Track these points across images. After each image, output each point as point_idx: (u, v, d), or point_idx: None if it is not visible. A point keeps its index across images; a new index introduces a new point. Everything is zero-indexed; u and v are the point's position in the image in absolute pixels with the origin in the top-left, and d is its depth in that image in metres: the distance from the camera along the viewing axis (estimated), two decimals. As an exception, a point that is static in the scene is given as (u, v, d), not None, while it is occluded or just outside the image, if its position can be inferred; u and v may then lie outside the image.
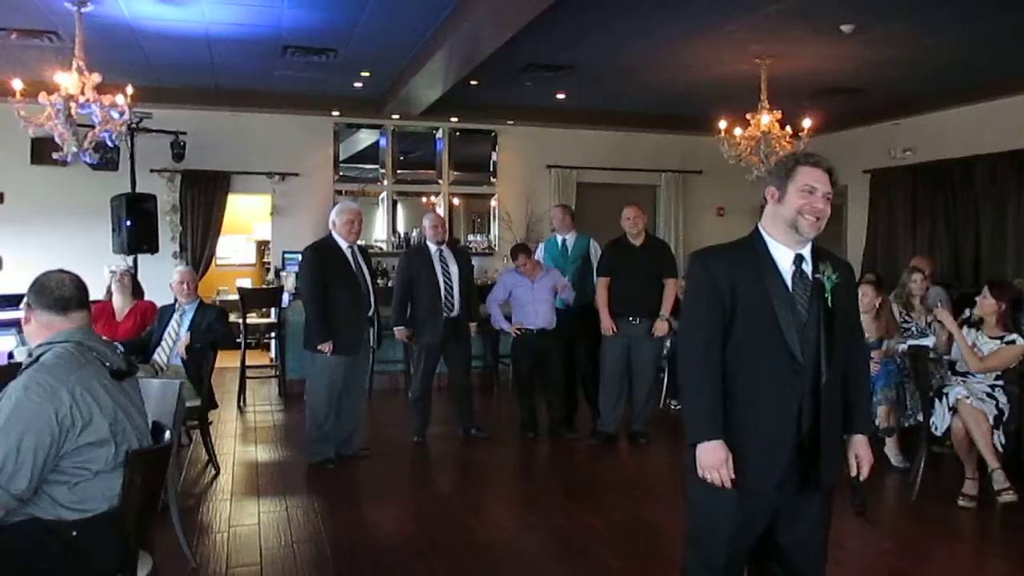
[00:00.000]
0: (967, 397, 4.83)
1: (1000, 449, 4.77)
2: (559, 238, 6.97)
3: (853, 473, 2.54)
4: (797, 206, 2.41)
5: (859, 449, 2.54)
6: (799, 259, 2.44)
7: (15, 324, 5.02)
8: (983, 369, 4.92)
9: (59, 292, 2.63)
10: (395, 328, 6.33)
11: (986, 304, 5.07)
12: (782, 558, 2.53)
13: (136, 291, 6.41)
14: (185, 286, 5.85)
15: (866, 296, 5.88)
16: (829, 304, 2.41)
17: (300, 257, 6.05)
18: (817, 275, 2.43)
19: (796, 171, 2.46)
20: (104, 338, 2.85)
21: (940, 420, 4.95)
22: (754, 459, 2.40)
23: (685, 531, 2.62)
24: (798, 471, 2.42)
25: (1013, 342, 4.96)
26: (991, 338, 5.04)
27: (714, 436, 2.37)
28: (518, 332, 6.48)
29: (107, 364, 2.60)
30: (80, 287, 2.70)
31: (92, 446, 2.45)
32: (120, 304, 6.16)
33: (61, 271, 2.71)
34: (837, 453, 2.51)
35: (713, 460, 2.36)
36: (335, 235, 5.74)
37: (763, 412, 2.40)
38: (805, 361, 2.38)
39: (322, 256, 5.67)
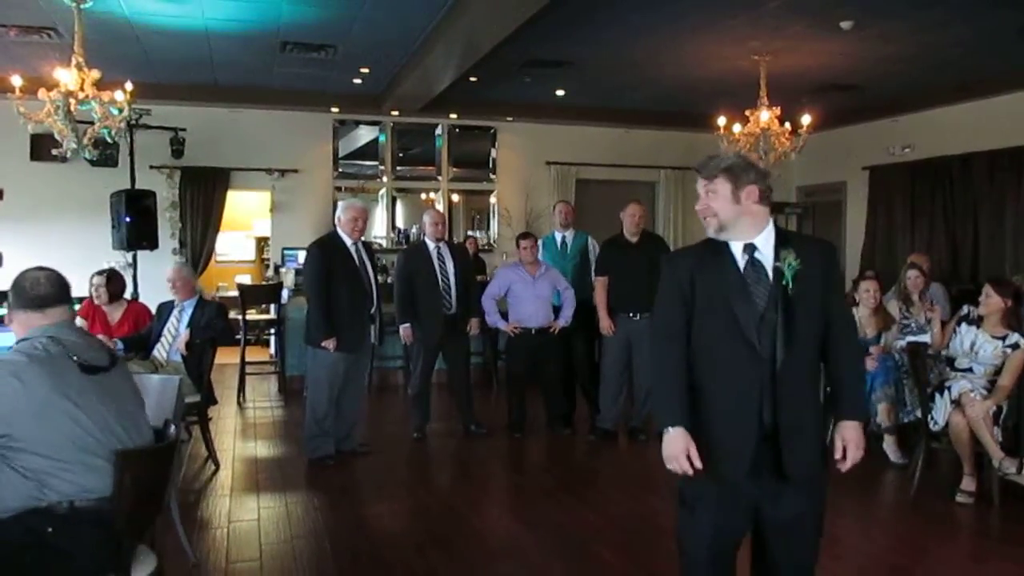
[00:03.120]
0: (971, 390, 4.84)
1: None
2: (558, 235, 6.96)
3: (838, 456, 2.46)
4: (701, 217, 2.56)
5: (845, 433, 2.48)
6: (750, 248, 2.48)
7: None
8: (1011, 387, 4.87)
9: (34, 291, 2.65)
10: (400, 327, 6.32)
11: (991, 303, 5.05)
12: (767, 551, 2.54)
13: (119, 290, 6.20)
14: (174, 283, 5.80)
15: (869, 291, 5.90)
16: (790, 292, 2.42)
17: (305, 253, 6.05)
18: (777, 263, 2.45)
19: None
20: (86, 332, 2.85)
21: (940, 415, 4.96)
22: (721, 448, 2.44)
23: (675, 528, 2.65)
24: (771, 461, 2.43)
25: (1016, 345, 4.95)
26: (993, 337, 5.04)
27: (674, 424, 2.44)
28: (515, 331, 6.48)
29: (73, 358, 2.57)
30: (57, 284, 2.70)
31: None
32: (110, 310, 6.03)
33: (39, 268, 2.72)
34: (808, 442, 2.46)
35: (673, 449, 2.43)
36: (340, 231, 5.75)
37: (726, 401, 2.46)
38: (763, 350, 2.41)
39: (327, 252, 5.67)
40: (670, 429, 2.43)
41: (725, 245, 2.50)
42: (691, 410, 2.48)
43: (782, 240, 2.49)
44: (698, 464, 2.40)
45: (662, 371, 2.52)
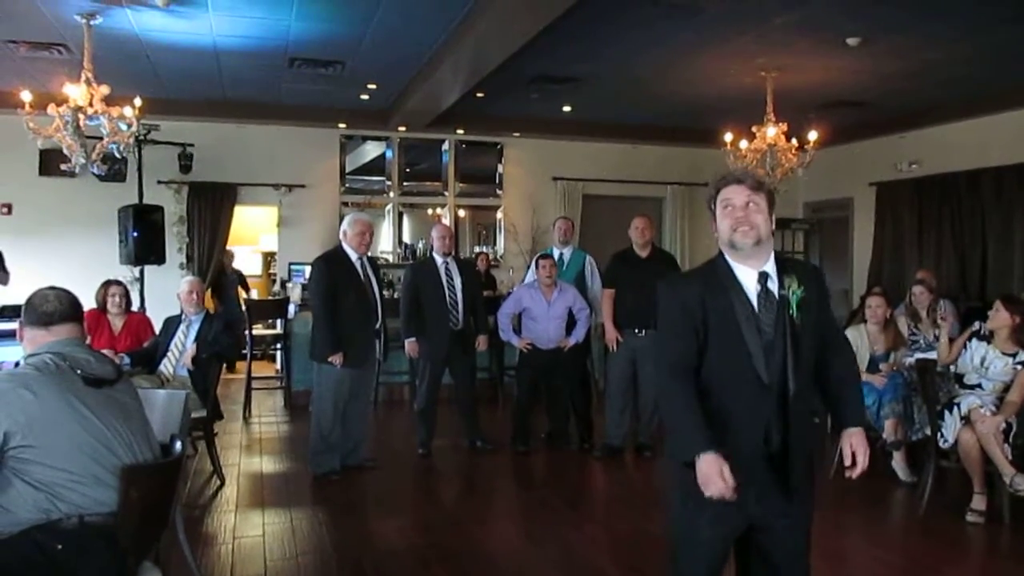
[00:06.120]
0: (980, 406, 4.81)
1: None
2: (556, 252, 6.96)
3: (848, 463, 2.51)
4: (726, 226, 2.46)
5: (853, 439, 2.51)
6: (764, 277, 2.44)
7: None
8: (1020, 403, 4.84)
9: (42, 308, 2.71)
10: (405, 341, 6.32)
11: (1000, 318, 5.06)
12: (761, 556, 2.54)
13: (130, 301, 6.29)
14: (195, 295, 5.86)
15: (880, 308, 5.87)
16: (796, 320, 2.42)
17: (310, 267, 6.05)
18: (783, 291, 2.43)
19: (716, 198, 2.52)
20: (91, 348, 2.87)
21: (949, 432, 4.92)
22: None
23: (668, 547, 2.64)
24: (772, 482, 2.43)
25: None
26: (1003, 353, 5.04)
27: (708, 448, 2.34)
28: (527, 348, 6.48)
29: (78, 372, 2.60)
30: (66, 301, 2.75)
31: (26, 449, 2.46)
32: (114, 320, 6.02)
33: (50, 288, 2.78)
34: (806, 461, 2.50)
35: (710, 473, 2.32)
36: (345, 246, 5.75)
37: (732, 430, 2.41)
38: (771, 381, 2.40)
39: (332, 267, 5.68)
40: (702, 455, 2.33)
41: (730, 271, 2.47)
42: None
43: (782, 267, 2.49)
44: (731, 482, 2.32)
45: (678, 406, 2.43)
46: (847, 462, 2.51)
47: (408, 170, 11.02)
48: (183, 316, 5.87)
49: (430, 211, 11.25)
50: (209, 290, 9.93)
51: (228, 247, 10.49)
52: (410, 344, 6.30)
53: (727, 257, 2.49)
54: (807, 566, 2.56)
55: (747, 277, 2.45)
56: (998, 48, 7.00)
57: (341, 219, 9.99)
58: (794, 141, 7.91)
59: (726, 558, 2.58)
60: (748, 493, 2.39)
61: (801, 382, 2.43)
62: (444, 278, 6.29)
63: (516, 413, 6.60)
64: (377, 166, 10.92)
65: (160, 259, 8.64)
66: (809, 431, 2.53)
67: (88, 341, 5.04)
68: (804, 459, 2.49)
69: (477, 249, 11.19)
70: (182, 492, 4.70)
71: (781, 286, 2.44)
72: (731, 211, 2.45)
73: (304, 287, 9.26)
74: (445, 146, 11.06)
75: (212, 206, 9.93)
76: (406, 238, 11.18)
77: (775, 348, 2.40)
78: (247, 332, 8.15)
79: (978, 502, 4.82)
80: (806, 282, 2.47)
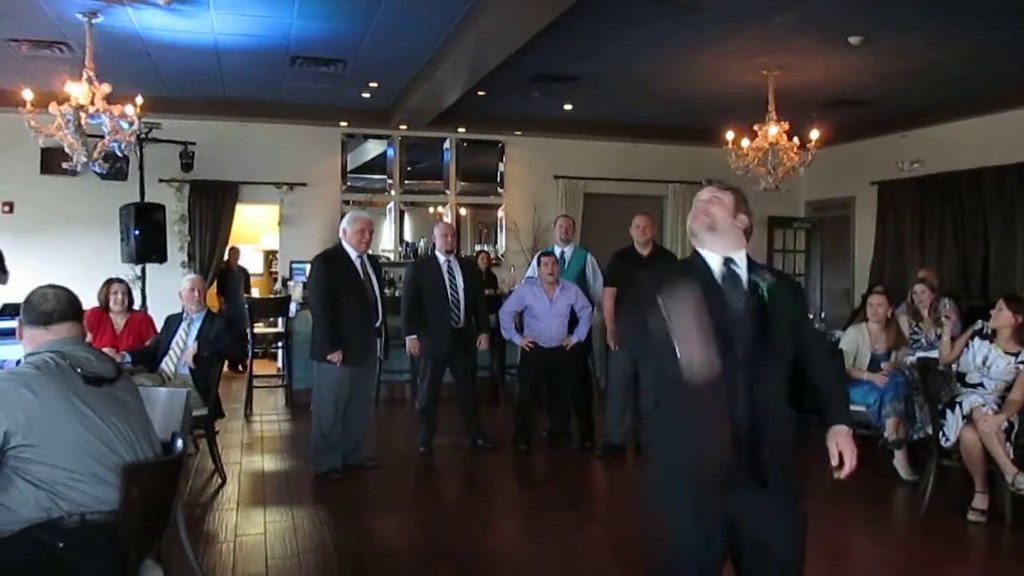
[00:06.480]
0: (982, 405, 4.81)
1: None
2: (557, 250, 6.97)
3: (834, 463, 2.54)
4: (690, 218, 2.69)
5: (840, 438, 2.55)
6: (727, 260, 2.59)
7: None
8: (1022, 402, 4.84)
9: (41, 307, 2.71)
10: (406, 339, 6.32)
11: (1002, 317, 5.07)
12: (758, 566, 2.52)
13: (132, 300, 6.30)
14: (196, 294, 5.86)
15: (881, 307, 5.87)
16: (767, 305, 2.51)
17: (310, 266, 6.05)
18: (753, 277, 2.56)
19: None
20: (92, 346, 2.88)
21: (951, 431, 4.92)
22: (698, 458, 2.40)
23: (650, 550, 2.66)
24: (745, 472, 2.43)
25: None
26: (1006, 352, 5.04)
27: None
28: (529, 346, 6.48)
29: (78, 370, 2.60)
30: (65, 300, 2.74)
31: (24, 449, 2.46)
32: (117, 319, 6.03)
33: (50, 286, 2.78)
34: (784, 447, 2.52)
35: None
36: (345, 244, 5.75)
37: (699, 413, 2.40)
38: (739, 352, 2.45)
39: (332, 265, 5.68)
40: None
41: (703, 259, 2.61)
42: (667, 423, 2.61)
43: (757, 266, 2.62)
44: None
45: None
46: (834, 462, 2.55)
47: (409, 168, 11.01)
48: (184, 314, 5.87)
49: (431, 209, 11.23)
50: (215, 287, 9.97)
51: (233, 245, 10.52)
52: (411, 342, 6.30)
53: (696, 248, 2.68)
54: None
55: (715, 262, 2.61)
56: (1000, 47, 6.99)
57: (342, 217, 10.01)
58: (796, 140, 7.90)
59: (716, 561, 2.54)
60: (719, 480, 2.39)
61: (770, 364, 2.48)
62: (446, 276, 6.29)
63: (517, 412, 6.61)
64: (378, 164, 10.90)
65: (161, 257, 8.64)
66: (784, 423, 2.53)
67: (90, 339, 5.08)
68: (781, 448, 2.49)
69: (478, 247, 11.18)
70: (183, 490, 4.70)
71: (752, 273, 2.57)
72: (695, 205, 2.68)
73: (306, 285, 9.28)
74: (446, 144, 11.05)
75: (213, 204, 9.93)
76: (407, 236, 11.17)
77: (743, 324, 2.48)
78: (249, 330, 8.16)
79: (980, 501, 4.82)
80: (782, 285, 2.59)
